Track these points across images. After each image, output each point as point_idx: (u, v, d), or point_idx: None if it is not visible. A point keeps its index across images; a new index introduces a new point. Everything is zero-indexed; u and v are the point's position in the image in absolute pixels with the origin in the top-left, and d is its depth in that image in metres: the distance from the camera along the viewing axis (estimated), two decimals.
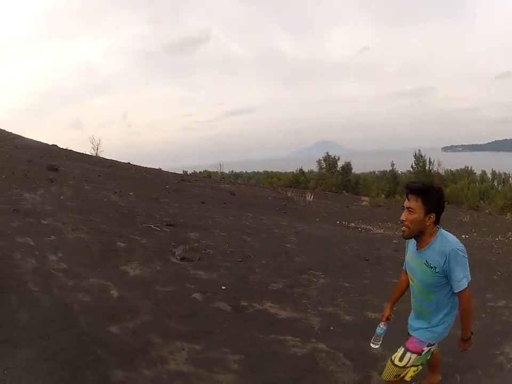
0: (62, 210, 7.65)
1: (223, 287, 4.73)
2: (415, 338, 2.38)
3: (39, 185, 9.73)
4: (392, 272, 6.28)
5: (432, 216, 2.17)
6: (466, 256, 2.20)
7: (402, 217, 2.21)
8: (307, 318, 4.23)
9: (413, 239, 2.30)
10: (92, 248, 5.70)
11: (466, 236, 12.10)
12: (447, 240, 2.21)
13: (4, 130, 20.67)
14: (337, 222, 13.24)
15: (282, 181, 34.46)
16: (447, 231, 2.30)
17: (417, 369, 2.42)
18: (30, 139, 19.66)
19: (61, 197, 8.87)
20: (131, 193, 11.26)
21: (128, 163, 20.64)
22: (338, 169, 35.24)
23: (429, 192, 2.15)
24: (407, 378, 2.44)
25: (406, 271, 2.50)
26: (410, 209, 2.17)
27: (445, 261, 2.15)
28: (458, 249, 2.16)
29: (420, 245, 2.27)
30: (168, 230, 7.25)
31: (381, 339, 2.60)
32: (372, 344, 2.62)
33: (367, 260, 7.06)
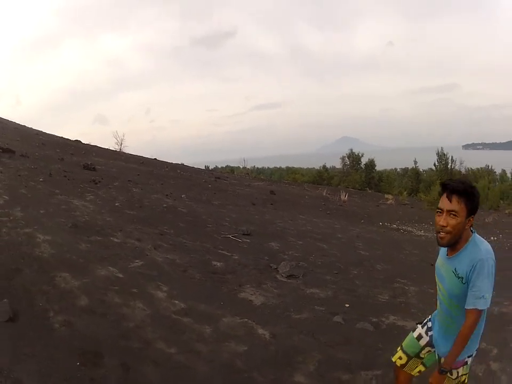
0: (126, 222, 6.56)
1: (347, 305, 4.54)
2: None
3: (84, 189, 8.59)
4: None
5: (471, 219, 1.95)
6: (494, 270, 1.91)
7: (442, 222, 1.93)
8: None
9: None
10: (191, 272, 4.82)
11: (494, 238, 11.40)
12: (478, 248, 1.95)
13: (25, 126, 19.53)
14: (380, 224, 13.24)
15: (306, 177, 33.58)
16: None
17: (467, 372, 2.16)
18: (53, 135, 18.59)
19: (116, 204, 7.73)
20: (183, 195, 10.36)
21: (155, 159, 19.57)
22: (361, 166, 34.28)
23: (473, 193, 1.93)
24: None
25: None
26: (453, 213, 1.91)
27: (470, 270, 1.91)
28: (489, 260, 1.90)
29: (452, 251, 2.03)
30: (248, 240, 6.80)
31: None
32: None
33: (432, 265, 6.37)
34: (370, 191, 29.82)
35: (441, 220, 1.94)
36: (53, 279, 3.84)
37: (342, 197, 19.42)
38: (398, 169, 42.81)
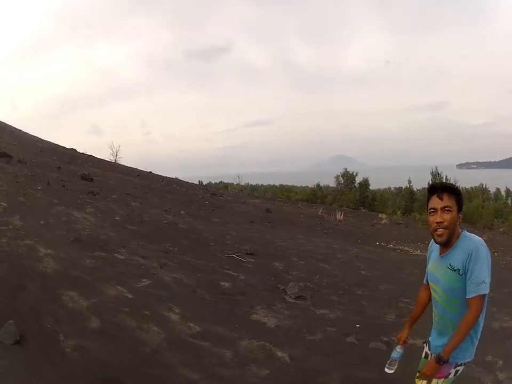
0: (129, 237, 6.44)
1: (357, 325, 4.53)
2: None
3: (83, 200, 8.44)
4: None
5: (461, 215, 2.06)
6: (489, 258, 1.99)
7: (439, 219, 2.01)
8: None
9: (435, 245, 2.16)
10: (201, 293, 4.74)
11: None
12: (470, 239, 2.03)
13: (22, 131, 19.24)
14: (377, 244, 13.17)
15: (300, 196, 33.43)
16: None
17: None
18: (50, 141, 18.32)
19: (116, 218, 7.59)
20: (182, 211, 10.23)
21: (150, 172, 19.40)
22: (356, 185, 34.35)
23: (458, 189, 2.08)
24: None
25: (425, 286, 2.32)
26: (447, 208, 2.01)
27: (467, 259, 1.96)
28: (482, 247, 1.98)
29: (444, 249, 2.09)
30: (252, 260, 6.76)
31: (397, 363, 2.34)
32: (386, 369, 2.35)
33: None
34: (364, 210, 29.74)
35: (437, 217, 2.01)
36: (60, 298, 3.67)
37: (337, 216, 19.39)
38: (392, 189, 42.96)
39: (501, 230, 21.80)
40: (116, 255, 5.38)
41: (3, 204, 6.49)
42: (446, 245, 2.07)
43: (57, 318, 3.32)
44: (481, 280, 1.93)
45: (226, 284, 5.25)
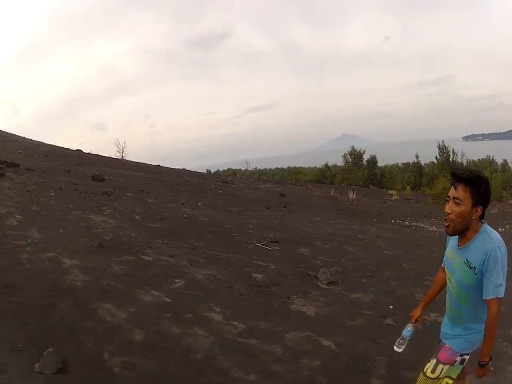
0: (152, 236, 6.19)
1: (391, 307, 4.51)
2: (448, 347, 2.12)
3: (99, 202, 8.18)
4: None
5: (479, 209, 1.91)
6: (507, 259, 1.90)
7: (447, 209, 1.93)
8: None
9: None
10: (237, 288, 4.62)
11: (502, 229, 11.21)
12: (490, 237, 1.92)
13: (24, 137, 19.01)
14: (393, 221, 13.09)
15: (308, 177, 33.23)
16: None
17: (452, 382, 2.16)
18: (53, 145, 18.08)
19: (136, 217, 7.33)
20: (199, 203, 9.97)
21: (159, 165, 19.13)
22: (364, 162, 33.96)
23: (479, 181, 1.89)
24: None
25: (443, 268, 2.25)
26: (457, 200, 1.90)
27: (484, 260, 1.88)
28: (502, 249, 1.89)
29: (462, 241, 2.00)
30: (278, 248, 6.64)
31: (406, 342, 2.37)
32: (395, 347, 2.38)
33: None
34: (373, 188, 29.61)
35: (447, 207, 1.95)
36: (96, 312, 3.44)
37: (349, 196, 19.17)
38: (400, 164, 42.51)
39: (510, 201, 21.85)
40: (143, 257, 5.15)
41: (17, 216, 6.26)
42: (461, 236, 1.99)
43: (98, 335, 3.08)
44: (499, 283, 1.89)
45: (259, 276, 5.12)
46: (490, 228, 1.98)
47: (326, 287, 5.04)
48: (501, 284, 1.89)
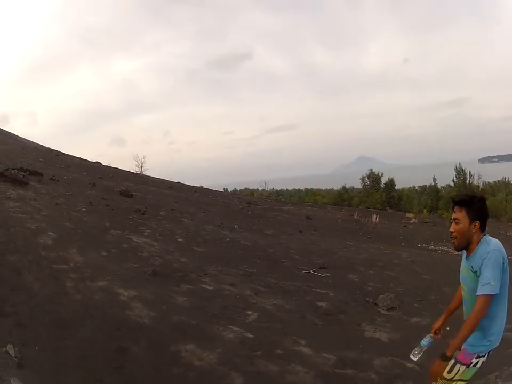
0: (203, 262, 5.75)
1: (447, 328, 3.86)
2: (465, 349, 2.22)
3: (135, 221, 7.66)
4: None
5: (477, 224, 2.19)
6: (501, 262, 2.11)
7: (451, 229, 2.25)
8: None
9: None
10: (310, 318, 4.42)
11: None
12: (487, 245, 2.18)
13: (43, 146, 18.61)
14: (418, 245, 12.86)
15: (326, 199, 32.56)
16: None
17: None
18: (72, 155, 17.66)
19: (178, 239, 6.82)
20: (235, 225, 9.47)
21: (179, 182, 18.61)
22: (381, 185, 33.38)
23: (471, 201, 2.20)
24: None
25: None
26: (456, 220, 2.22)
27: (482, 263, 2.11)
28: (494, 251, 2.12)
29: (468, 253, 2.26)
30: (328, 274, 6.43)
31: (422, 351, 2.40)
32: (411, 356, 2.43)
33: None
34: (391, 211, 29.01)
35: (451, 227, 2.23)
36: (179, 356, 2.91)
37: (373, 220, 18.62)
38: (416, 187, 41.92)
39: None
40: (203, 286, 4.65)
41: (51, 233, 5.70)
42: (466, 249, 2.24)
43: None
44: (487, 282, 2.06)
45: (323, 304, 4.99)
46: (490, 237, 2.21)
47: (387, 312, 5.00)
48: (488, 282, 2.05)
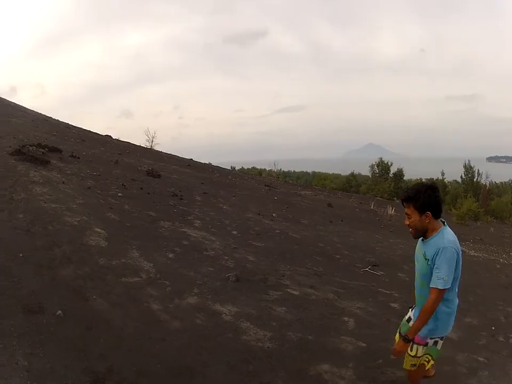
0: (271, 261, 5.50)
1: (493, 328, 4.38)
2: (418, 334, 2.40)
3: (178, 208, 7.26)
4: None
5: (428, 214, 2.31)
6: (455, 258, 2.27)
7: (405, 223, 2.44)
8: None
9: None
10: (394, 321, 4.00)
11: None
12: (443, 237, 2.31)
13: (52, 118, 17.69)
14: None
15: (334, 184, 32.28)
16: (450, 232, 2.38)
17: (429, 359, 2.45)
18: (82, 128, 16.79)
19: (232, 232, 6.41)
20: (274, 214, 9.01)
21: (191, 159, 17.98)
22: (390, 175, 32.96)
23: (417, 195, 2.32)
24: (427, 367, 2.49)
25: None
26: (407, 215, 2.39)
27: (435, 254, 2.27)
28: (450, 248, 2.26)
29: (425, 237, 2.40)
30: (383, 272, 6.16)
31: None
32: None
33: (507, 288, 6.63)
34: (397, 201, 28.70)
35: (405, 221, 2.44)
36: (323, 380, 2.74)
37: (388, 212, 18.24)
38: (423, 180, 41.56)
39: None
40: (289, 290, 4.28)
41: (98, 229, 4.81)
42: (424, 236, 2.40)
43: None
44: (442, 277, 2.24)
45: (396, 305, 4.72)
46: (448, 230, 2.36)
47: None
48: (443, 278, 2.22)
